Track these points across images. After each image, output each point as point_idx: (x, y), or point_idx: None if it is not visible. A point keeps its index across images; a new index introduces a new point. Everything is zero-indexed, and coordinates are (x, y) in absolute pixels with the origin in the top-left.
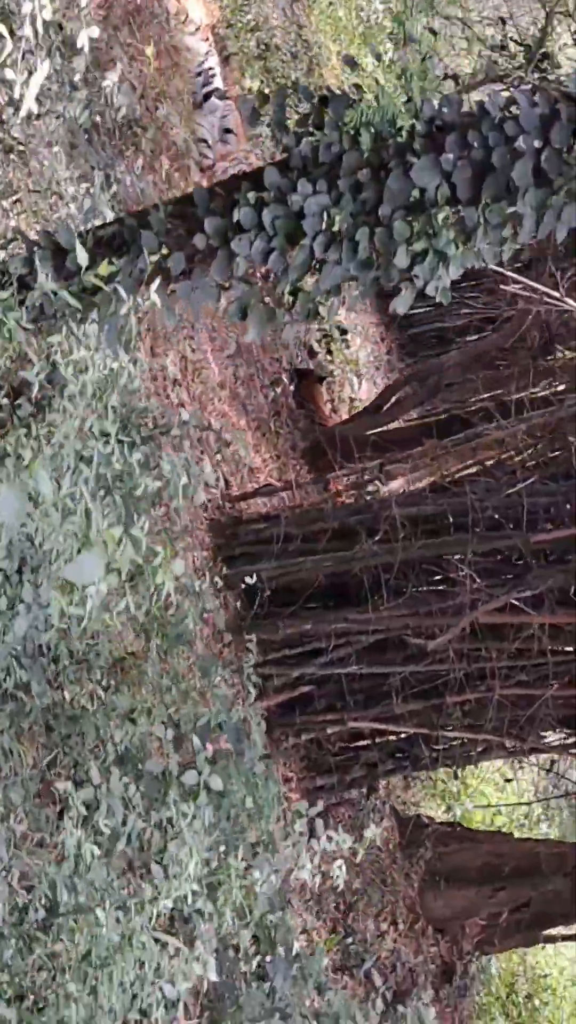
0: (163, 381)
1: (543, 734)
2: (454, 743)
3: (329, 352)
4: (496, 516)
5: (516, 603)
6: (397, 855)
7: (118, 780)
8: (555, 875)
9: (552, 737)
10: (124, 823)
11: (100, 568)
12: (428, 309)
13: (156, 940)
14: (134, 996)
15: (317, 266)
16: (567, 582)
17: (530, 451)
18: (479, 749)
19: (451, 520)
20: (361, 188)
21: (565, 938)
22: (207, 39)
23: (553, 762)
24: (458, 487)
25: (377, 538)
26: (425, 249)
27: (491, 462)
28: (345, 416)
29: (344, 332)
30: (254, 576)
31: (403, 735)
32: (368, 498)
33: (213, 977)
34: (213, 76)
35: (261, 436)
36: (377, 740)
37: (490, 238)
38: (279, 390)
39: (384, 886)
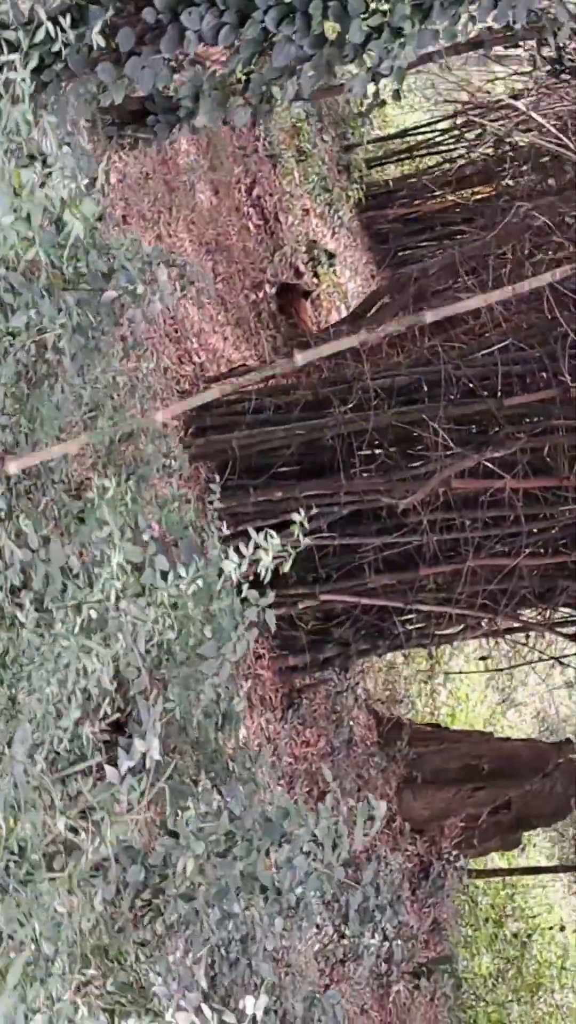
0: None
1: (519, 610)
2: (429, 620)
3: (316, 276)
4: (471, 384)
5: (490, 467)
6: (375, 752)
7: None
8: (535, 775)
9: (529, 614)
10: None
11: None
12: (427, 245)
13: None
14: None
15: (269, 45)
16: (540, 447)
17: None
18: (454, 628)
19: (426, 390)
20: None
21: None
22: None
23: (528, 637)
24: (433, 358)
25: (350, 406)
26: (381, 25)
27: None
28: None
29: (332, 256)
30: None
31: (376, 613)
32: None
33: None
34: None
35: (241, 334)
36: (351, 618)
37: (448, 15)
38: (260, 295)
39: (360, 780)
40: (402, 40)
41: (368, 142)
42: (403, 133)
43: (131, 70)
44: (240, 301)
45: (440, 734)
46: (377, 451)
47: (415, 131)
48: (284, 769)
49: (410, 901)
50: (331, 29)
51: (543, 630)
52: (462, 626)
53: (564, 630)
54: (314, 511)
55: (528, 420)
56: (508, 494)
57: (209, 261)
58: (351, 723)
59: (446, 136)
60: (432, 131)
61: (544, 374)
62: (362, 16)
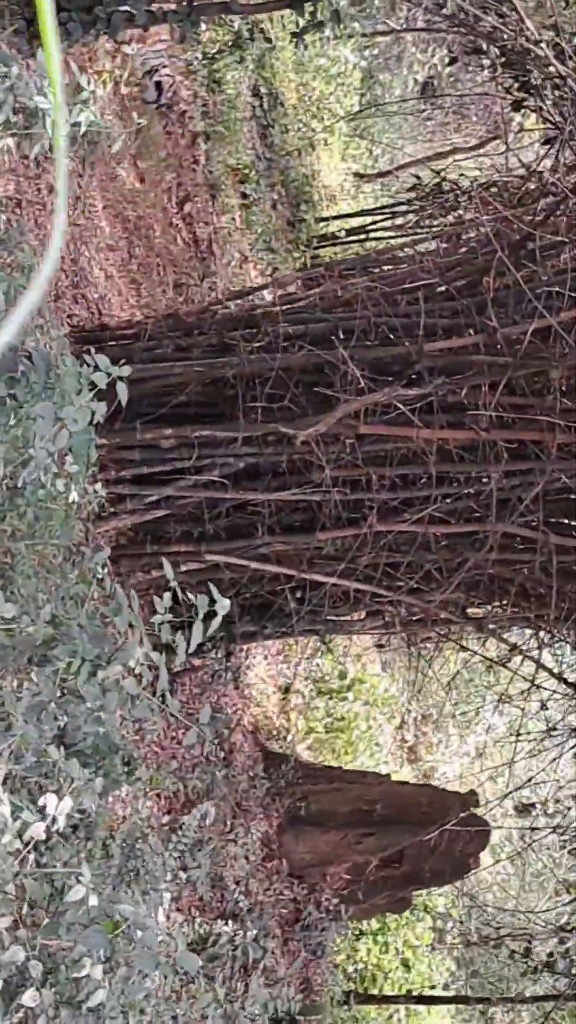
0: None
1: (422, 587)
2: (324, 600)
3: None
4: (391, 332)
5: (404, 412)
6: (256, 783)
7: None
8: (432, 826)
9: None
10: None
11: None
12: None
13: None
14: None
15: None
16: (459, 398)
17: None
18: (351, 612)
19: (342, 337)
20: None
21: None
22: None
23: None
24: (351, 303)
25: (257, 345)
26: None
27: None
28: None
29: None
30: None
31: (267, 584)
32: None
33: None
34: None
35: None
36: (237, 589)
37: None
38: (181, 297)
39: (239, 809)
40: None
41: (320, 219)
42: (360, 212)
43: None
44: (156, 293)
45: (331, 773)
46: (283, 394)
47: (374, 211)
48: (147, 759)
49: (279, 949)
50: None
51: (454, 621)
52: (362, 613)
53: (477, 620)
54: (207, 461)
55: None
56: (420, 446)
57: (124, 239)
58: (229, 731)
59: (404, 212)
60: (388, 213)
61: (472, 329)
62: None
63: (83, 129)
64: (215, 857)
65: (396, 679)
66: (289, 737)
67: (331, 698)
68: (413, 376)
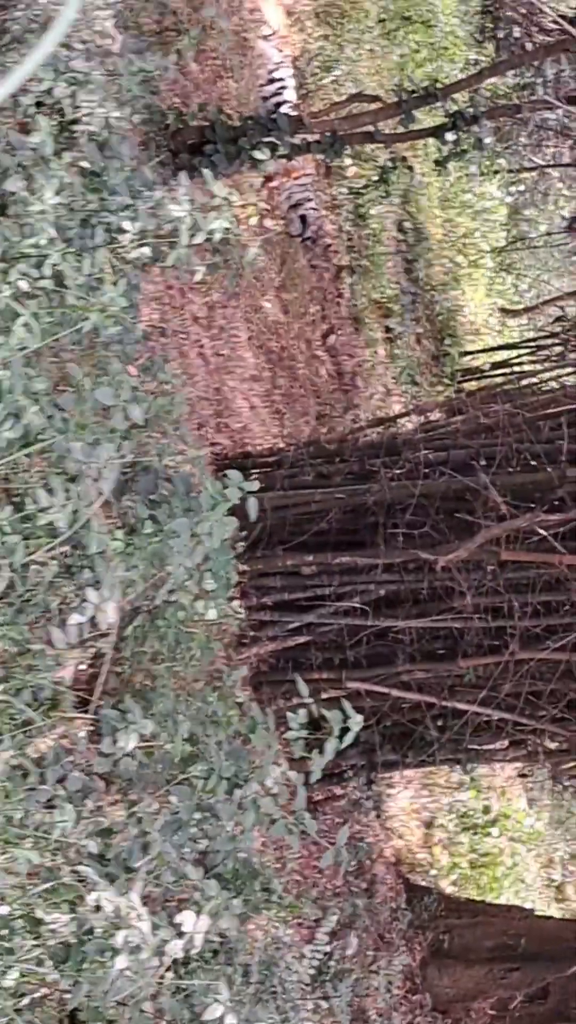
0: None
1: (570, 719)
2: (465, 727)
3: None
4: (532, 458)
5: (546, 538)
6: (399, 915)
7: None
8: None
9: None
10: None
11: None
12: None
13: None
14: None
15: None
16: None
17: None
18: (493, 741)
19: (482, 462)
20: None
21: None
22: (282, 50)
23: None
24: (492, 429)
25: (398, 471)
26: None
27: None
28: None
29: None
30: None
31: (408, 713)
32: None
33: None
34: (284, 88)
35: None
36: (378, 717)
37: None
38: (325, 429)
39: (382, 941)
40: None
41: (464, 353)
42: (505, 346)
43: None
44: (299, 424)
45: (474, 906)
46: (424, 520)
47: (519, 344)
48: (288, 886)
49: None
50: None
51: None
52: (505, 742)
53: None
54: (347, 588)
55: None
56: (563, 572)
57: (268, 370)
58: (371, 861)
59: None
60: (533, 347)
61: None
62: None
63: (217, 236)
64: (357, 988)
65: (542, 815)
66: (433, 872)
67: (475, 833)
68: (555, 502)
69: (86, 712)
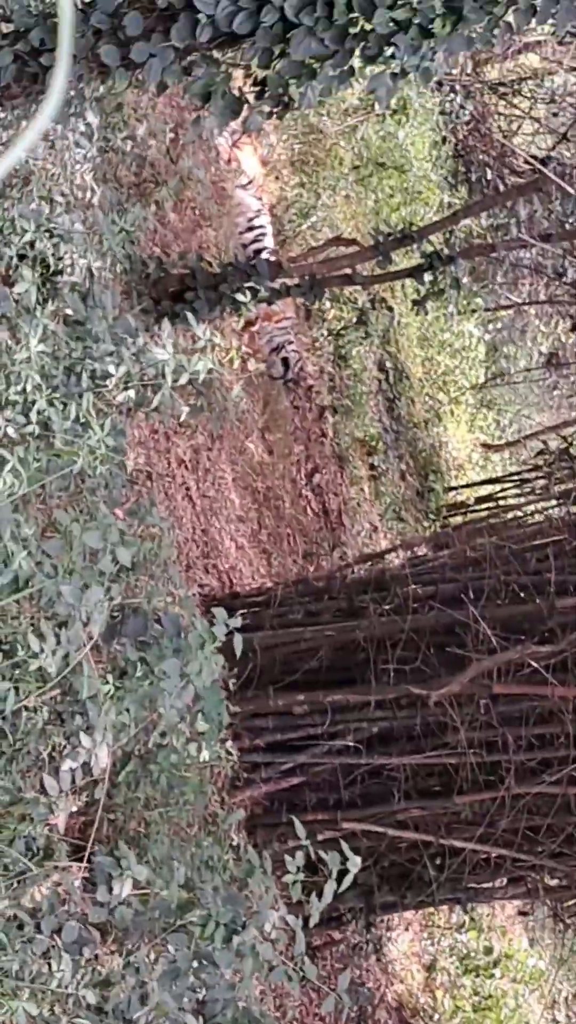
0: None
1: (569, 854)
2: (463, 865)
3: None
4: (521, 590)
5: (538, 670)
6: None
7: None
8: None
9: None
10: None
11: None
12: None
13: None
14: None
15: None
16: None
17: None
18: (492, 878)
19: (471, 595)
20: None
21: None
22: (260, 197)
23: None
24: (480, 562)
25: (387, 607)
26: (408, 19)
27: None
28: None
29: None
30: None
31: (406, 852)
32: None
33: None
34: (263, 235)
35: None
36: (375, 857)
37: (480, 16)
38: (312, 567)
39: None
40: (431, 41)
41: (449, 488)
42: (488, 480)
43: (137, 55)
44: (287, 563)
45: None
46: (414, 655)
47: (503, 479)
48: None
49: None
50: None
51: None
52: (504, 880)
53: None
54: (340, 726)
55: None
56: (556, 704)
57: (254, 510)
58: (372, 1007)
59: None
60: (516, 480)
61: None
62: (388, 6)
63: (201, 378)
64: None
65: (544, 954)
66: (436, 1016)
67: (477, 975)
68: (545, 633)
69: (80, 860)
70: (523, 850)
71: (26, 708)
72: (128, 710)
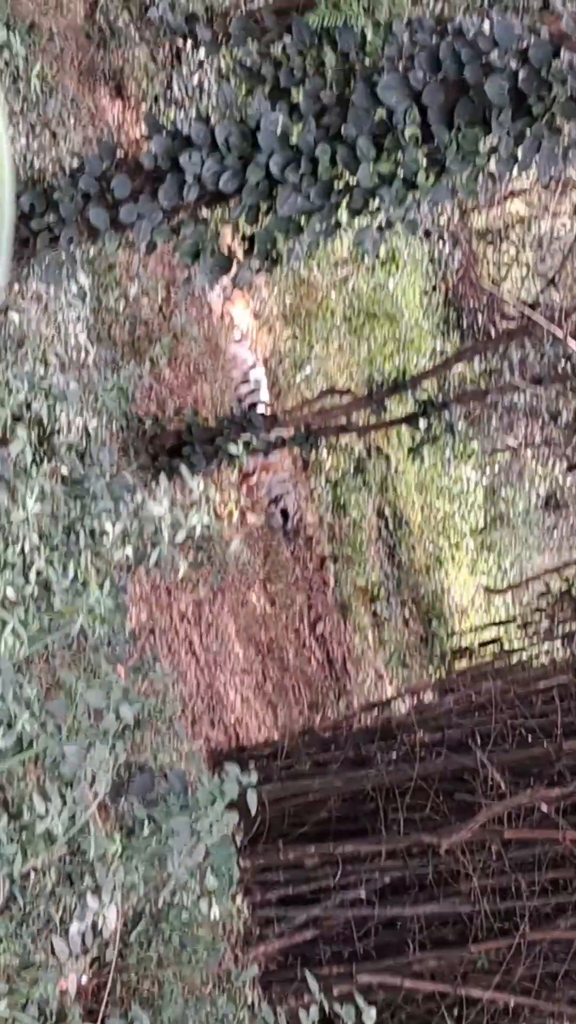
0: None
1: None
2: (482, 1015)
3: None
4: (528, 733)
5: (548, 816)
6: None
7: None
8: None
9: None
10: None
11: None
12: None
13: None
14: None
15: (273, 196)
16: None
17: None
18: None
19: (478, 740)
20: (325, 111)
21: None
22: (253, 351)
23: None
24: (486, 706)
25: (395, 756)
26: (392, 172)
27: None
28: None
29: None
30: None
31: (423, 1003)
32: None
33: None
34: (258, 388)
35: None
36: (392, 1008)
37: (463, 166)
38: (319, 719)
39: None
40: (415, 192)
41: (453, 633)
42: (492, 624)
43: (125, 216)
44: (293, 714)
45: None
46: (424, 803)
47: (507, 622)
48: None
49: None
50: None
51: None
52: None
53: None
54: (351, 877)
55: None
56: (568, 848)
57: (259, 662)
58: None
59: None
60: (519, 623)
61: None
62: (372, 159)
63: (198, 532)
64: None
65: None
66: None
67: None
68: (554, 776)
69: (94, 1022)
70: (541, 997)
71: (35, 870)
72: (137, 868)
